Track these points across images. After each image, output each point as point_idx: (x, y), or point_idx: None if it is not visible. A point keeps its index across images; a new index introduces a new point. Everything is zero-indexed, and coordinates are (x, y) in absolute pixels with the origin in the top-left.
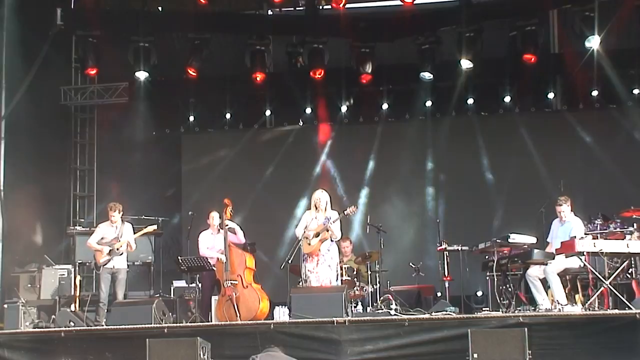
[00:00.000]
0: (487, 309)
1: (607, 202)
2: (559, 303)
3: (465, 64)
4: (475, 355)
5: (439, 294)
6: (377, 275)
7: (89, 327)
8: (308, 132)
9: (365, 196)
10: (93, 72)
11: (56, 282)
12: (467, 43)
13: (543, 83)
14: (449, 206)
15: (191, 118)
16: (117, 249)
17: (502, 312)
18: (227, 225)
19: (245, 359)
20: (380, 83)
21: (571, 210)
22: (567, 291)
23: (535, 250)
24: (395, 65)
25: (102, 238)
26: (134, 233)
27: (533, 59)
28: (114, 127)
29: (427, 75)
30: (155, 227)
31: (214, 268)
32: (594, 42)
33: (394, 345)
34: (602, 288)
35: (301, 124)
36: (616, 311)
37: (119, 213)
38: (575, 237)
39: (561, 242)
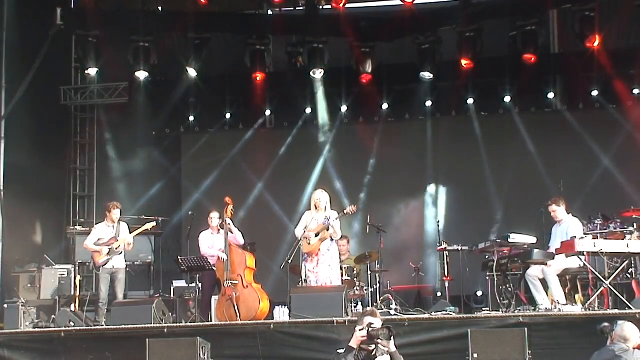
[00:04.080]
0: (487, 309)
1: (607, 202)
2: (558, 303)
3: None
4: (475, 355)
5: (439, 294)
6: (377, 275)
7: (89, 327)
8: (308, 132)
9: (365, 196)
10: (93, 72)
11: (56, 282)
12: (467, 43)
13: (543, 83)
14: (449, 206)
15: (191, 118)
16: (116, 249)
17: (502, 312)
18: (227, 223)
19: (245, 359)
20: (380, 83)
21: (565, 210)
22: (567, 291)
23: (535, 250)
24: (395, 65)
25: (99, 239)
26: (131, 232)
27: (533, 59)
28: (114, 127)
29: (427, 75)
30: (153, 224)
31: (214, 268)
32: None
33: None
34: (602, 288)
35: (301, 124)
36: (616, 311)
37: (119, 211)
38: (575, 236)
39: (561, 242)
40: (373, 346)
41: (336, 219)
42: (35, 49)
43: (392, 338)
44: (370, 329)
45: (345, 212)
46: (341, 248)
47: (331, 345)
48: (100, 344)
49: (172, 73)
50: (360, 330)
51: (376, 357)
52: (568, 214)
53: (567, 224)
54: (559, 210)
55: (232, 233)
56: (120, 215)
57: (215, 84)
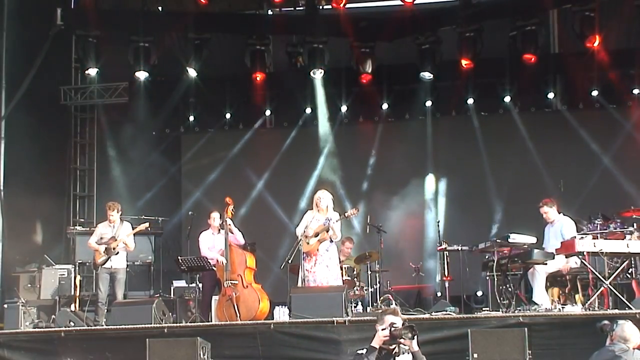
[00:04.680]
0: (487, 309)
1: (607, 202)
2: (537, 300)
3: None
4: (475, 355)
5: (439, 294)
6: (377, 275)
7: (89, 327)
8: (308, 132)
9: (365, 196)
10: (93, 72)
11: (56, 282)
12: (467, 43)
13: (543, 83)
14: (449, 206)
15: (191, 118)
16: (114, 249)
17: (502, 312)
18: (228, 223)
19: (245, 359)
20: (380, 83)
21: (557, 210)
22: (567, 291)
23: (535, 250)
24: (395, 65)
25: (100, 238)
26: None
27: (533, 59)
28: (114, 127)
29: (427, 75)
30: (147, 224)
31: (214, 268)
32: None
33: None
34: (602, 288)
35: (301, 124)
36: (616, 311)
37: (118, 212)
38: (575, 236)
39: (561, 242)
40: (394, 345)
41: (337, 220)
42: (35, 49)
43: (416, 337)
44: (393, 329)
45: (346, 214)
46: (345, 250)
47: (331, 345)
48: (100, 344)
49: (172, 73)
50: (382, 329)
51: (397, 356)
52: (559, 213)
53: (559, 224)
54: (550, 212)
55: (232, 233)
56: (120, 215)
57: (215, 84)
